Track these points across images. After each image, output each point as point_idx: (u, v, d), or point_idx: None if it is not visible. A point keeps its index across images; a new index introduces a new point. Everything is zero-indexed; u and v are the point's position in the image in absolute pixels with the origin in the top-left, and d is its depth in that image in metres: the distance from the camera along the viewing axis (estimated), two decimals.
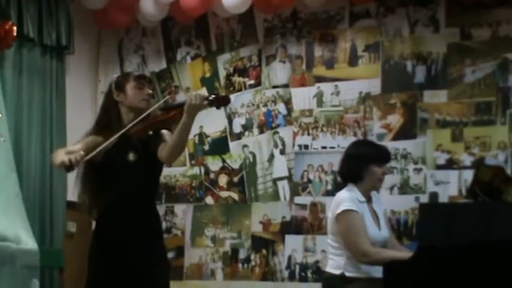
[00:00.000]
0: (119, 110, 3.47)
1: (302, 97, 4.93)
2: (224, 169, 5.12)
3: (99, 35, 5.59)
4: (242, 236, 4.99)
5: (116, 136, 3.29)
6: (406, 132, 4.61)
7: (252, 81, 5.11)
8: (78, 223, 5.28)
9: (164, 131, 3.42)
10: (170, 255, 4.98)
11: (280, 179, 4.92)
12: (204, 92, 5.17)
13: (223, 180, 5.12)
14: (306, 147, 4.88)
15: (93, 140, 3.42)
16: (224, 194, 5.11)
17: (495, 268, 2.96)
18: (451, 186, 4.43)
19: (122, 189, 3.39)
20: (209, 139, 5.19)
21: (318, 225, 4.75)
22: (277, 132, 4.96)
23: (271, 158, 4.97)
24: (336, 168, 4.73)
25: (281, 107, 4.98)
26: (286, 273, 4.80)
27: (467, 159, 4.42)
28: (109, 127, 3.43)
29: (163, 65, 5.41)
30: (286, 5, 4.89)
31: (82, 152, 3.23)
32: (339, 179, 4.66)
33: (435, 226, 3.13)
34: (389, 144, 4.46)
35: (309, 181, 4.83)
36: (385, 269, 3.18)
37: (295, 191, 4.86)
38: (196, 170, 5.20)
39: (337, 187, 4.68)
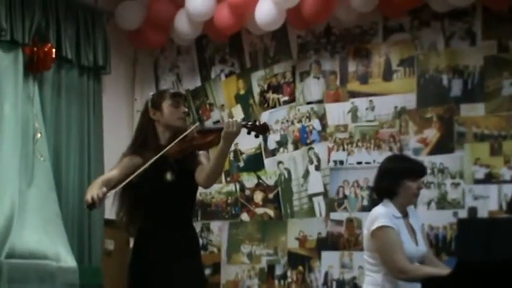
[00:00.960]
0: (155, 129, 3.46)
1: (336, 113, 4.91)
2: (259, 186, 5.13)
3: (134, 54, 5.67)
4: (278, 253, 4.98)
5: (152, 160, 3.28)
6: (443, 146, 4.56)
7: (286, 98, 5.11)
8: (116, 241, 5.33)
9: (202, 152, 3.43)
10: (206, 272, 5.00)
11: (316, 195, 4.91)
12: (238, 110, 5.21)
13: (258, 196, 5.12)
14: (341, 162, 4.86)
15: (130, 161, 3.42)
16: (260, 210, 5.11)
17: None
18: (491, 200, 4.36)
19: (159, 209, 3.40)
20: (244, 156, 5.20)
21: (354, 241, 4.72)
22: (312, 148, 4.96)
23: (307, 174, 4.96)
24: (371, 183, 4.70)
25: (315, 123, 4.98)
26: None
27: (507, 173, 4.35)
28: (145, 146, 3.43)
29: (198, 83, 5.45)
30: (319, 21, 4.90)
31: (104, 189, 3.22)
32: (374, 194, 4.66)
33: (474, 242, 3.08)
34: (426, 159, 4.43)
35: (345, 197, 4.81)
36: (423, 286, 3.14)
37: (330, 207, 4.84)
38: (231, 187, 5.21)
39: (373, 203, 4.64)
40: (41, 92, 4.77)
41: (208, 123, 5.24)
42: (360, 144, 4.82)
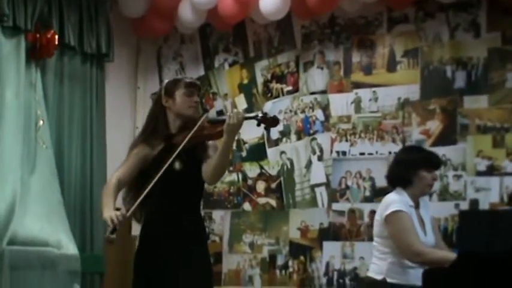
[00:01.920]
0: (166, 117, 3.44)
1: (340, 103, 4.90)
2: (262, 175, 5.13)
3: (138, 42, 5.66)
4: (280, 243, 4.99)
5: (175, 154, 3.26)
6: (445, 138, 4.55)
7: (290, 88, 5.10)
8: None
9: (212, 142, 3.41)
10: None
11: (318, 185, 4.91)
12: (242, 100, 5.21)
13: (261, 186, 5.12)
14: (344, 153, 4.85)
15: (137, 155, 3.40)
16: (262, 200, 5.11)
17: None
18: (492, 193, 4.35)
19: (167, 197, 3.37)
20: (247, 145, 5.20)
21: (356, 232, 4.72)
22: (315, 139, 4.95)
23: (309, 164, 4.95)
24: (374, 174, 4.70)
25: (319, 114, 4.97)
26: (324, 280, 4.78)
27: (509, 166, 4.34)
28: (156, 134, 3.41)
29: (201, 72, 5.44)
30: (324, 11, 4.88)
31: (123, 211, 3.23)
32: (377, 185, 4.66)
33: (475, 233, 3.10)
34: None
35: (347, 187, 4.80)
36: (424, 276, 3.14)
37: (333, 197, 4.84)
38: (234, 177, 5.21)
39: (376, 193, 4.66)
40: (44, 79, 4.77)
41: (213, 114, 5.24)
42: (362, 135, 4.81)
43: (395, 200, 3.48)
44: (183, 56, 5.52)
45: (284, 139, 5.07)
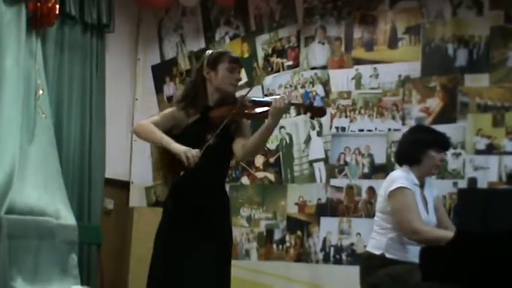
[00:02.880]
0: (206, 88, 3.34)
1: (340, 79, 4.89)
2: None
3: (139, 14, 5.63)
4: (277, 217, 5.00)
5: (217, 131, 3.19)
6: (445, 116, 4.55)
7: (290, 63, 5.09)
8: (115, 200, 5.36)
9: (246, 120, 3.35)
10: None
11: (317, 160, 4.91)
12: (242, 74, 5.17)
13: (259, 160, 5.12)
14: (343, 129, 4.85)
15: (176, 114, 3.32)
16: (260, 174, 5.12)
17: None
18: (491, 171, 4.37)
19: (196, 170, 3.23)
20: None
21: (353, 208, 4.74)
22: None
23: (308, 139, 4.95)
24: (373, 151, 4.70)
25: (319, 89, 4.96)
26: (320, 255, 4.80)
27: (508, 145, 4.35)
28: (194, 103, 3.31)
29: (202, 45, 5.42)
30: None
31: (198, 151, 3.14)
32: (376, 162, 4.66)
33: (473, 212, 3.09)
34: None
35: (346, 164, 4.81)
36: (421, 254, 3.15)
37: (331, 173, 4.85)
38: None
39: (374, 170, 4.67)
40: (44, 48, 4.74)
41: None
42: (362, 111, 4.80)
43: (401, 177, 3.49)
44: (184, 28, 5.49)
45: (284, 114, 5.05)
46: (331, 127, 4.88)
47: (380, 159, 4.68)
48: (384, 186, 3.54)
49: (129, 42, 5.57)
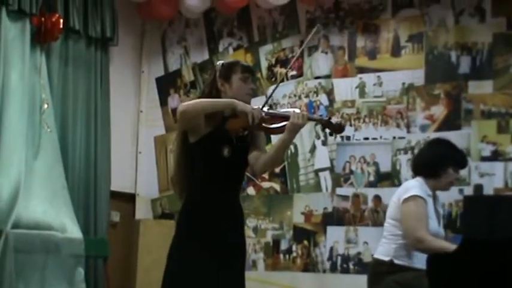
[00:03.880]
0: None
1: (344, 88, 4.90)
2: None
3: (142, 26, 5.65)
4: (284, 227, 5.00)
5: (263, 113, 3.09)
6: (450, 123, 4.55)
7: (294, 72, 5.10)
8: (121, 212, 5.36)
9: (262, 133, 3.28)
10: None
11: (322, 170, 4.91)
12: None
13: None
14: (348, 138, 4.85)
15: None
16: (266, 184, 5.11)
17: None
18: (497, 178, 4.36)
19: (211, 183, 3.20)
20: None
21: (360, 217, 4.73)
22: None
23: (313, 149, 4.96)
24: (378, 159, 4.70)
25: (323, 98, 4.96)
26: (327, 265, 4.79)
27: None
28: (209, 116, 3.20)
29: (206, 56, 5.43)
30: None
31: (260, 109, 3.07)
32: (381, 170, 4.66)
33: (480, 219, 3.09)
34: (433, 135, 4.41)
35: (351, 172, 4.81)
36: (428, 261, 3.15)
37: (337, 182, 4.84)
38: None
39: (379, 178, 4.66)
40: (48, 62, 4.77)
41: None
42: (367, 120, 4.80)
43: (416, 186, 3.50)
44: (188, 40, 5.51)
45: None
46: (336, 136, 4.87)
47: (385, 167, 4.68)
48: (397, 194, 3.54)
49: (133, 55, 5.59)
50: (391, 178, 4.63)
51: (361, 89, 4.84)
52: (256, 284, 4.95)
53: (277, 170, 5.05)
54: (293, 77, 5.09)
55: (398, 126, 4.68)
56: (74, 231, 4.62)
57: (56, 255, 4.45)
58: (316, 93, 4.99)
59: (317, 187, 4.91)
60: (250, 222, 5.09)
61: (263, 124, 3.14)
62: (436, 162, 3.57)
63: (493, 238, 3.00)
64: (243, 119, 3.12)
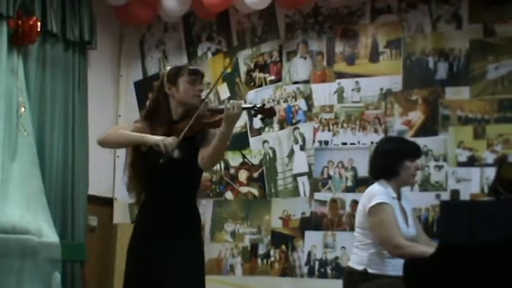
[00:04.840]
0: (168, 104, 3.37)
1: (323, 93, 4.92)
2: (244, 164, 5.13)
3: (121, 30, 5.63)
4: (262, 232, 5.00)
5: (180, 137, 3.22)
6: (427, 128, 4.59)
7: (273, 77, 5.11)
8: (99, 217, 5.33)
9: (211, 130, 3.35)
10: None
11: (300, 174, 4.92)
12: (225, 89, 5.20)
13: (243, 175, 5.13)
14: (326, 143, 4.87)
15: (141, 129, 3.35)
16: (244, 189, 5.12)
17: None
18: (473, 183, 4.40)
19: (163, 185, 3.32)
20: None
21: (337, 222, 4.75)
22: (298, 128, 4.96)
23: (291, 153, 4.97)
24: (356, 164, 4.72)
25: (301, 103, 4.98)
26: (305, 269, 4.80)
27: (489, 157, 4.39)
28: (158, 120, 3.35)
29: (185, 60, 5.42)
30: (307, 1, 4.88)
31: (175, 138, 3.18)
32: (359, 175, 4.68)
33: (456, 224, 3.10)
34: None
35: (329, 177, 4.82)
36: (405, 267, 3.17)
37: (315, 187, 4.86)
38: (216, 166, 5.20)
39: (357, 183, 4.69)
40: (26, 65, 4.73)
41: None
42: (345, 125, 4.83)
43: (380, 192, 3.48)
44: (166, 44, 5.50)
45: (267, 128, 5.08)
46: (314, 141, 4.89)
47: (363, 172, 4.70)
48: (362, 202, 3.54)
49: (112, 59, 5.56)
50: (369, 183, 4.63)
51: (340, 94, 4.86)
52: None
53: (255, 174, 5.06)
54: (271, 81, 5.10)
55: (376, 131, 4.71)
56: (51, 235, 4.58)
57: (32, 259, 4.41)
58: (295, 98, 5.00)
59: (295, 192, 4.92)
60: (228, 227, 5.09)
61: (203, 120, 3.26)
62: (390, 160, 3.56)
63: (469, 243, 3.02)
64: (189, 120, 3.23)
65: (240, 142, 5.14)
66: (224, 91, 5.23)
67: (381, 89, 4.74)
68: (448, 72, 4.57)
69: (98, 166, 5.25)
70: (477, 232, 3.02)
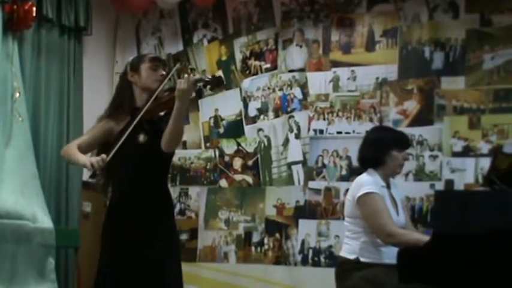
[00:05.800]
0: (132, 91, 3.49)
1: (318, 82, 4.91)
2: (239, 152, 5.13)
3: (117, 17, 5.60)
4: (256, 220, 5.01)
5: (128, 131, 3.28)
6: (422, 118, 4.59)
7: (268, 65, 5.10)
8: (93, 203, 5.32)
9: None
10: (184, 237, 5.02)
11: (295, 163, 4.93)
12: (220, 74, 5.19)
13: (237, 163, 5.13)
14: (321, 132, 4.87)
15: (102, 127, 3.48)
16: (238, 177, 5.12)
17: (510, 257, 2.95)
18: (467, 173, 4.42)
19: (132, 170, 3.40)
20: (224, 122, 5.19)
21: (331, 210, 4.76)
22: (293, 117, 4.96)
23: (286, 142, 4.97)
24: (351, 153, 4.73)
25: (297, 91, 4.97)
26: (299, 258, 4.82)
27: (484, 147, 4.40)
28: (122, 109, 3.45)
29: (180, 48, 5.41)
30: None
31: (104, 156, 3.25)
32: (354, 164, 4.69)
33: (450, 213, 3.11)
34: (406, 131, 4.41)
35: (324, 166, 4.83)
36: (398, 255, 3.18)
37: (309, 175, 4.86)
38: (211, 153, 5.21)
39: (352, 172, 4.69)
40: (21, 51, 4.70)
41: None
42: (340, 114, 4.83)
43: (368, 181, 3.49)
44: (162, 31, 5.48)
45: (262, 116, 5.07)
46: (309, 129, 4.90)
47: None
48: (351, 192, 3.55)
49: (107, 45, 5.54)
50: (363, 172, 4.64)
51: (335, 83, 4.86)
52: (227, 276, 4.96)
53: (250, 162, 5.07)
54: (267, 70, 5.09)
55: (371, 120, 4.71)
56: (45, 221, 4.57)
57: (26, 245, 4.40)
58: (290, 86, 5.00)
59: (289, 180, 4.93)
60: (222, 215, 5.10)
61: (162, 101, 3.34)
62: (378, 150, 3.58)
63: (463, 233, 3.03)
64: (150, 104, 3.31)
65: (235, 130, 5.14)
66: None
67: (377, 78, 4.74)
68: (444, 61, 4.58)
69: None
70: (471, 222, 3.03)
